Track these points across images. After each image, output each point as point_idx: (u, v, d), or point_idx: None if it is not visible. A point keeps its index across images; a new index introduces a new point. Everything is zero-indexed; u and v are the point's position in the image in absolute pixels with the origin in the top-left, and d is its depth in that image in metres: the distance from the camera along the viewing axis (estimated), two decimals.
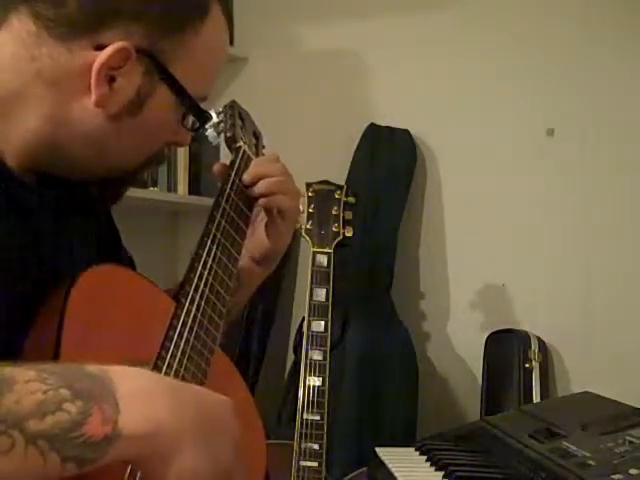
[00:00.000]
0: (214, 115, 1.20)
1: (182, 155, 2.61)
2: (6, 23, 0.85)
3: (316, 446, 1.76)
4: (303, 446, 1.76)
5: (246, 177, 1.11)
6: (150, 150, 0.94)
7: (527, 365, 2.23)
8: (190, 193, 2.63)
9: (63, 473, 0.61)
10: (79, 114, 0.86)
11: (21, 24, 0.84)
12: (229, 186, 1.11)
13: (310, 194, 1.91)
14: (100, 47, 0.83)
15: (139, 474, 0.80)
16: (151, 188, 2.52)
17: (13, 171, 0.87)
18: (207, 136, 1.21)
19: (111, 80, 0.84)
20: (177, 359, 0.91)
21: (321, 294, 1.85)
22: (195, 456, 0.67)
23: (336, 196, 1.91)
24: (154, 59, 0.86)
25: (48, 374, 0.62)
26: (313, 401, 1.78)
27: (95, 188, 0.94)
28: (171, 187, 2.59)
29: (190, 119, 0.93)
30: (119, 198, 0.99)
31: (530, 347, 2.25)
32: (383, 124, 2.50)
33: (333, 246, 1.87)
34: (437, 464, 1.15)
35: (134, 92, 0.86)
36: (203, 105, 0.94)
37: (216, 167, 1.13)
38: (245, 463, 0.74)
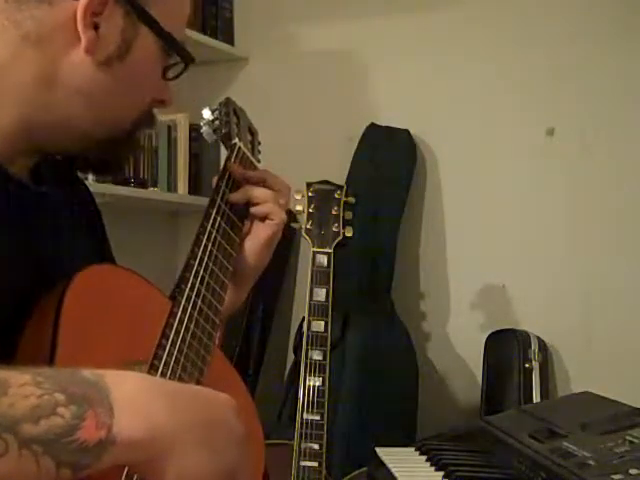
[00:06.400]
0: (209, 112, 1.19)
1: (182, 155, 2.60)
2: None
3: (316, 446, 1.76)
4: (303, 446, 1.76)
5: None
6: (140, 102, 0.95)
7: (527, 365, 2.23)
8: (190, 193, 2.63)
9: (58, 478, 0.60)
10: (70, 68, 0.87)
11: None
12: (224, 184, 1.11)
13: (310, 194, 1.90)
14: None
15: (135, 478, 0.80)
16: (151, 188, 2.52)
17: (6, 168, 0.87)
18: (202, 133, 1.21)
19: (95, 28, 0.86)
20: (174, 358, 0.91)
21: (321, 294, 1.85)
22: (195, 459, 0.66)
23: (336, 196, 1.90)
24: (131, 1, 0.87)
25: (43, 378, 0.62)
26: (313, 401, 1.78)
27: (94, 155, 0.95)
28: (171, 187, 2.58)
29: (171, 71, 0.94)
30: (119, 164, 1.00)
31: (530, 347, 2.25)
32: (383, 124, 2.50)
33: (333, 246, 1.87)
34: (437, 464, 1.15)
35: (119, 36, 0.88)
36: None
37: (215, 180, 1.13)
38: (252, 461, 0.73)
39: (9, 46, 0.85)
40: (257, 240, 1.11)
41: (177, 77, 0.96)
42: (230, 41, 2.77)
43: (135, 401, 0.65)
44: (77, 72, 0.87)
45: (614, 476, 0.95)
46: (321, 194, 1.91)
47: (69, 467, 0.60)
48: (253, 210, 1.11)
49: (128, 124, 0.95)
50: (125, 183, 2.36)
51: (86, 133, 0.92)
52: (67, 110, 0.89)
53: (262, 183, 1.13)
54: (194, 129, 2.61)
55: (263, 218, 1.11)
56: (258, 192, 1.11)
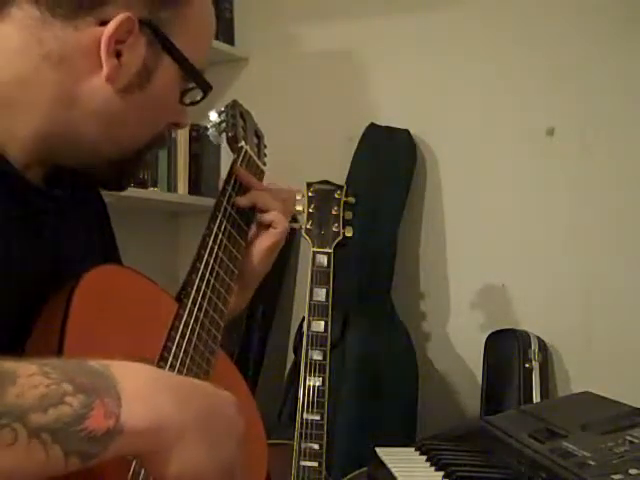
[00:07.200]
0: (215, 115, 1.20)
1: (182, 155, 2.61)
2: (8, 17, 0.86)
3: (316, 446, 1.76)
4: (303, 446, 1.76)
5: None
6: (156, 127, 0.96)
7: (527, 365, 2.23)
8: (190, 193, 2.63)
9: (67, 468, 0.61)
10: (89, 92, 0.87)
11: (24, 12, 0.85)
12: (231, 186, 1.11)
13: (310, 194, 1.91)
14: (104, 22, 0.85)
15: (143, 472, 0.80)
16: (151, 188, 2.52)
17: (19, 171, 0.87)
18: (209, 136, 1.21)
19: (118, 55, 0.86)
20: (179, 359, 0.91)
21: (321, 294, 1.85)
22: (197, 451, 0.67)
23: (336, 196, 1.91)
24: (156, 30, 0.88)
25: (50, 368, 0.62)
26: (313, 401, 1.78)
27: (103, 171, 0.95)
28: (171, 187, 2.58)
29: (188, 96, 0.95)
30: (128, 182, 1.00)
31: (530, 347, 2.25)
32: (383, 124, 2.50)
33: (333, 246, 1.87)
34: (437, 464, 1.15)
35: (141, 64, 0.88)
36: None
37: (221, 183, 1.14)
38: (248, 459, 0.74)
39: (30, 62, 0.86)
40: (260, 247, 1.13)
41: (194, 104, 0.97)
42: (230, 41, 2.77)
43: (142, 391, 0.66)
44: (96, 97, 0.88)
45: (614, 476, 0.95)
46: (321, 194, 1.91)
47: (78, 456, 0.61)
48: (258, 218, 1.13)
49: (142, 145, 0.96)
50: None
51: (100, 152, 0.93)
52: (83, 130, 0.89)
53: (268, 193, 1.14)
54: (194, 129, 2.61)
55: (267, 226, 1.13)
56: (264, 198, 1.12)
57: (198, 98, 0.96)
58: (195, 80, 0.93)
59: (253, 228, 1.14)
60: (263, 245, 1.13)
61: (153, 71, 0.89)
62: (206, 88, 0.95)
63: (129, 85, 0.88)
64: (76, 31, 0.85)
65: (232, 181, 1.12)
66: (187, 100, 0.95)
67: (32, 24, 0.85)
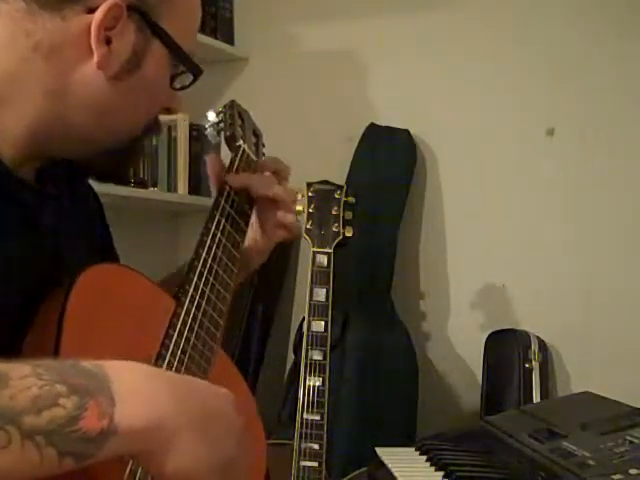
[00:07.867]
0: (213, 114, 1.20)
1: (182, 155, 2.60)
2: None
3: (316, 446, 1.76)
4: (303, 446, 1.76)
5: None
6: (149, 113, 0.96)
7: (527, 365, 2.23)
8: (190, 193, 2.63)
9: (61, 469, 0.61)
10: (80, 81, 0.87)
11: (9, 5, 0.85)
12: (228, 185, 1.11)
13: (310, 194, 1.91)
14: (92, 10, 0.84)
15: (140, 471, 0.80)
16: (151, 188, 2.52)
17: (10, 168, 0.87)
18: (207, 135, 1.21)
19: (108, 42, 0.86)
20: (177, 357, 0.91)
21: (321, 294, 1.85)
22: (196, 449, 0.67)
23: (336, 196, 1.91)
24: (144, 15, 0.87)
25: (43, 370, 0.62)
26: (313, 401, 1.78)
27: (99, 162, 0.95)
28: (171, 187, 2.58)
29: (178, 80, 0.95)
30: (125, 172, 1.00)
31: (530, 347, 2.25)
32: (383, 124, 2.50)
33: (333, 246, 1.87)
34: (437, 464, 1.16)
35: (130, 50, 0.88)
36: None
37: (210, 162, 1.13)
38: (250, 456, 0.73)
39: (19, 55, 0.85)
40: (271, 240, 1.13)
41: (185, 88, 0.96)
42: (230, 41, 2.77)
43: (138, 390, 0.66)
44: (88, 86, 0.87)
45: (614, 476, 0.95)
46: (321, 194, 1.91)
47: (72, 457, 0.61)
48: (280, 217, 1.12)
49: (137, 131, 0.95)
50: (125, 183, 2.36)
51: (94, 142, 0.93)
52: (77, 120, 0.89)
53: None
54: (194, 129, 2.61)
55: (281, 224, 1.12)
56: (279, 190, 1.11)
57: (188, 82, 0.96)
58: (185, 64, 0.93)
59: (251, 227, 1.13)
60: (275, 239, 1.14)
61: (143, 56, 0.89)
62: (196, 72, 0.94)
63: (120, 71, 0.88)
64: (64, 21, 0.84)
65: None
66: (177, 85, 0.95)
67: (18, 16, 0.84)
